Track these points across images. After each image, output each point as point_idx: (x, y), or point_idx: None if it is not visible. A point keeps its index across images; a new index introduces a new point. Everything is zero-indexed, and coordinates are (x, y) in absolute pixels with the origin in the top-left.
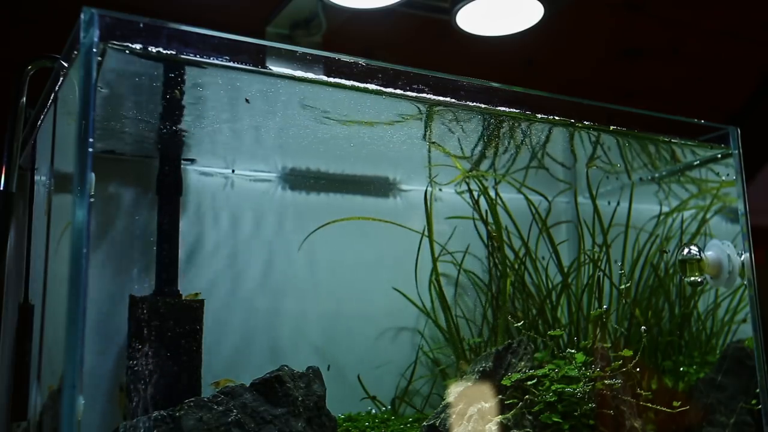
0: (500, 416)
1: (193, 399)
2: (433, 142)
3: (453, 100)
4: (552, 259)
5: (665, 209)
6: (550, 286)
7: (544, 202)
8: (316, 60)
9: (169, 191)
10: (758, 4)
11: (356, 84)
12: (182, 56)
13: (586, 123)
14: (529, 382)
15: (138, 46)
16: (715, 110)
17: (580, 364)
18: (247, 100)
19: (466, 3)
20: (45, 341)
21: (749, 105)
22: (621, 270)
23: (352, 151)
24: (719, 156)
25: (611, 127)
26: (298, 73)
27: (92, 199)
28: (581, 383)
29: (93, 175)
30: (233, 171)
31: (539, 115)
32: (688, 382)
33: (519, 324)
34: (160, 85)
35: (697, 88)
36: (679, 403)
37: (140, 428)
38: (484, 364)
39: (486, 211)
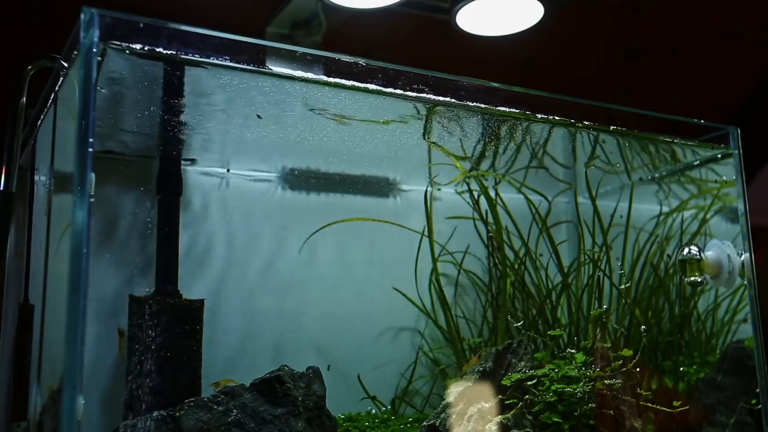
0: (500, 416)
1: (193, 399)
2: (433, 142)
3: (453, 100)
4: (552, 259)
5: (665, 209)
6: (550, 286)
7: (544, 202)
8: (316, 60)
9: (169, 191)
10: (758, 4)
11: (356, 84)
12: (182, 56)
13: (586, 123)
14: (529, 382)
15: (138, 46)
16: (715, 110)
17: (580, 364)
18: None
19: (466, 3)
20: (45, 341)
21: (749, 105)
22: (621, 270)
23: (353, 151)
24: (719, 156)
25: (611, 127)
26: (298, 73)
27: (92, 199)
28: (581, 383)
29: (93, 175)
30: (228, 170)
31: (539, 115)
32: (688, 382)
33: (519, 324)
34: (160, 84)
35: (697, 88)
36: (679, 403)
37: (140, 428)
38: (484, 364)
39: (486, 211)
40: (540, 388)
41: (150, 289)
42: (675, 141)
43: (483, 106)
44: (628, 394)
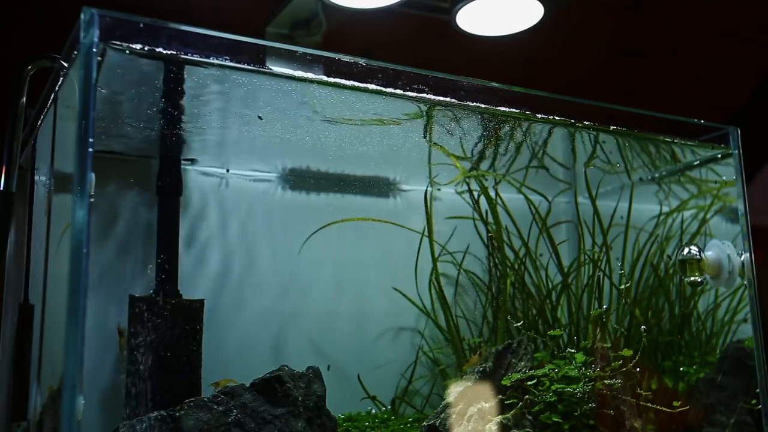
0: (500, 416)
1: (193, 399)
2: (434, 143)
3: (453, 100)
4: (552, 259)
5: (665, 209)
6: (550, 286)
7: (544, 202)
8: (316, 60)
9: (169, 191)
10: (758, 4)
11: (356, 84)
12: (182, 56)
13: (586, 123)
14: (529, 382)
15: (138, 46)
16: (715, 110)
17: (580, 364)
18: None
19: (466, 3)
20: (45, 341)
21: (749, 105)
22: (621, 270)
23: (353, 151)
24: (719, 156)
25: (611, 127)
26: (298, 73)
27: (92, 199)
28: (581, 383)
29: (93, 175)
30: (228, 170)
31: (539, 115)
32: (688, 382)
33: (519, 324)
34: (160, 84)
35: (697, 88)
36: (679, 403)
37: (140, 428)
38: (484, 364)
39: (486, 211)
40: (540, 388)
41: (150, 290)
42: (675, 141)
43: (483, 106)
44: (628, 394)
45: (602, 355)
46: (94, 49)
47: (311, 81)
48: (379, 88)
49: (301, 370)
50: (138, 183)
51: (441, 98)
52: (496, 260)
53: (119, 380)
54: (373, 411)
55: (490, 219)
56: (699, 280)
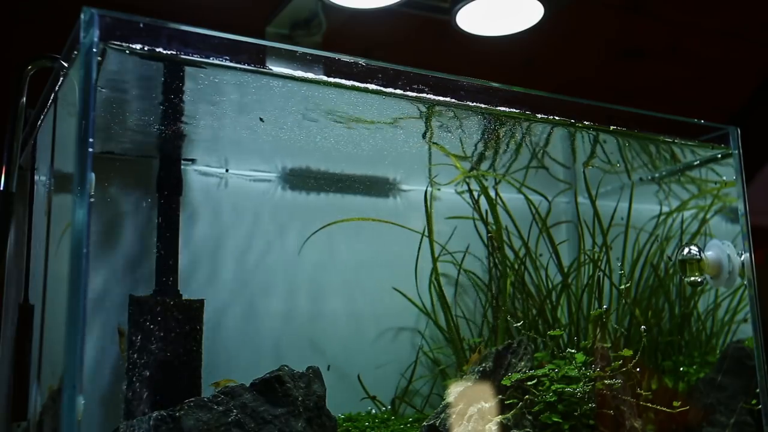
0: (500, 416)
1: (193, 399)
2: (434, 143)
3: (453, 100)
4: (552, 259)
5: (665, 209)
6: (550, 286)
7: (544, 202)
8: (316, 60)
9: (169, 191)
10: (758, 4)
11: (356, 84)
12: (182, 56)
13: (586, 123)
14: (529, 382)
15: (138, 46)
16: (715, 110)
17: (580, 364)
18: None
19: (466, 3)
20: (45, 341)
21: (749, 105)
22: (621, 270)
23: (353, 151)
24: (719, 156)
25: (611, 127)
26: (298, 73)
27: (92, 199)
28: (581, 383)
29: (93, 175)
30: (227, 170)
31: (539, 115)
32: (688, 382)
33: (519, 324)
34: (160, 84)
35: (697, 88)
36: (679, 403)
37: (140, 428)
38: (484, 364)
39: (486, 211)
40: (540, 388)
41: (150, 290)
42: (675, 141)
43: (483, 106)
44: (628, 394)
45: (602, 355)
46: (94, 49)
47: (311, 81)
48: (379, 88)
49: (301, 370)
50: (138, 183)
51: (441, 98)
52: (496, 260)
53: (119, 380)
54: (373, 411)
55: (490, 219)
56: (699, 280)
